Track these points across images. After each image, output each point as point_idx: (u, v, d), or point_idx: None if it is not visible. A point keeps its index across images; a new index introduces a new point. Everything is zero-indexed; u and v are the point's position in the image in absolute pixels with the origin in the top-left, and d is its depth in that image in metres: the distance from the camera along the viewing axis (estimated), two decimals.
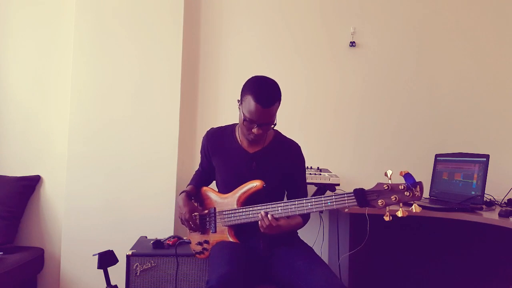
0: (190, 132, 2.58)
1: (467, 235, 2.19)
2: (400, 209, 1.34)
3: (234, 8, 2.62)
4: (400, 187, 1.35)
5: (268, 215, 1.50)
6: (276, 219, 1.50)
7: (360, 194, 1.39)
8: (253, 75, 1.62)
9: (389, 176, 1.35)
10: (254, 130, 1.56)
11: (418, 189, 1.33)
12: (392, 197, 1.35)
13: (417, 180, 1.34)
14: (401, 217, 1.34)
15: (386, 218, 1.35)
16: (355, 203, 1.40)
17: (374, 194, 1.38)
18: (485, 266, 2.20)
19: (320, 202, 1.45)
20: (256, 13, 2.62)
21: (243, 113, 1.55)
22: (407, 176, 1.33)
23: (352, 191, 1.40)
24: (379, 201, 1.37)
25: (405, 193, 1.34)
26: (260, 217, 1.52)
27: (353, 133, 2.60)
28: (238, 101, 1.61)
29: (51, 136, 2.55)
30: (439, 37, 2.62)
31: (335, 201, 1.43)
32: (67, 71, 2.51)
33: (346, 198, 1.41)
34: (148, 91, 2.46)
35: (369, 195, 1.39)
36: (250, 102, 1.52)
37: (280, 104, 1.59)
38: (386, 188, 1.37)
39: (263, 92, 1.52)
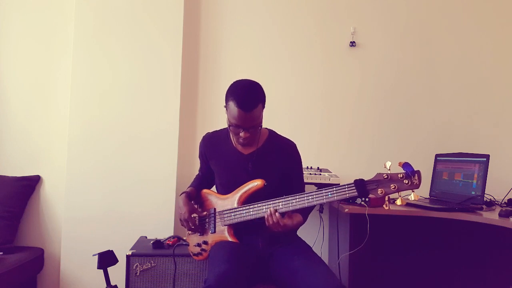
0: (190, 132, 2.58)
1: (467, 235, 2.19)
2: (399, 197, 1.37)
3: (234, 9, 2.62)
4: (399, 176, 1.38)
5: (276, 214, 1.50)
6: (283, 216, 1.51)
7: (360, 184, 1.40)
8: (237, 79, 1.63)
9: (388, 167, 1.38)
10: (241, 134, 1.57)
11: (416, 177, 1.36)
12: (391, 186, 1.38)
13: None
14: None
15: (386, 207, 1.39)
16: (356, 194, 1.41)
17: (373, 183, 1.40)
18: (485, 266, 2.20)
19: (321, 195, 1.46)
20: (256, 13, 2.62)
21: (228, 119, 1.58)
22: (406, 165, 1.36)
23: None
24: (379, 190, 1.39)
25: (404, 181, 1.37)
26: (268, 212, 1.51)
27: (353, 133, 2.60)
28: (225, 106, 1.62)
29: (51, 136, 2.55)
30: (439, 37, 2.62)
31: (335, 193, 1.44)
32: (67, 71, 2.51)
33: (346, 189, 1.43)
34: (148, 92, 2.46)
35: (369, 184, 1.41)
36: (232, 107, 1.53)
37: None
38: (386, 177, 1.39)
39: (244, 97, 1.53)
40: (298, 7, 2.61)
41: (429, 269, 2.22)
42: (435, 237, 2.21)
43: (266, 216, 1.52)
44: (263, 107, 1.60)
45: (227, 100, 1.58)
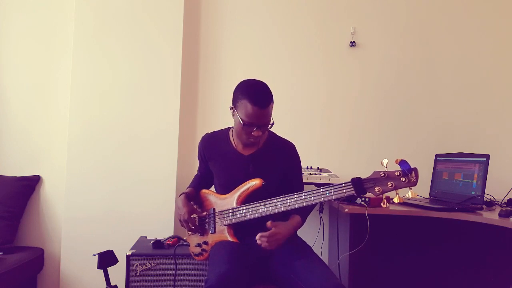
0: (190, 132, 2.58)
1: (467, 235, 2.19)
2: (397, 195, 1.37)
3: (234, 8, 2.62)
4: (396, 173, 1.38)
5: (259, 236, 1.49)
6: (274, 225, 1.49)
7: (357, 183, 1.41)
8: (242, 80, 1.64)
9: (385, 164, 1.38)
10: (254, 133, 1.56)
11: (413, 174, 1.36)
12: (388, 184, 1.38)
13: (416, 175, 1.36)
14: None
15: (384, 206, 1.39)
16: (353, 192, 1.41)
17: (371, 182, 1.40)
18: (485, 266, 2.20)
19: (318, 194, 1.47)
20: (256, 13, 2.62)
21: (240, 118, 1.56)
22: (402, 162, 1.36)
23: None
24: (376, 188, 1.39)
25: (401, 179, 1.36)
26: (257, 239, 1.50)
27: (353, 133, 2.60)
28: (231, 108, 1.62)
29: (51, 136, 2.55)
30: (440, 37, 2.62)
31: (333, 191, 1.44)
32: (67, 71, 2.51)
33: (344, 188, 1.43)
34: (148, 92, 2.46)
35: (366, 183, 1.41)
36: (246, 105, 1.53)
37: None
38: (383, 175, 1.39)
39: (258, 94, 1.55)
40: (298, 7, 2.61)
41: (429, 269, 2.22)
42: (435, 237, 2.21)
43: (261, 244, 1.50)
44: (273, 105, 1.61)
45: (237, 100, 1.57)
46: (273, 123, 1.61)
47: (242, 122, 1.56)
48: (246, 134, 1.59)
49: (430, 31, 2.62)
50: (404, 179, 1.36)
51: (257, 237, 1.50)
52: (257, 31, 2.61)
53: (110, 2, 2.45)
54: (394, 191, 1.39)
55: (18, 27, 2.58)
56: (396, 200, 1.37)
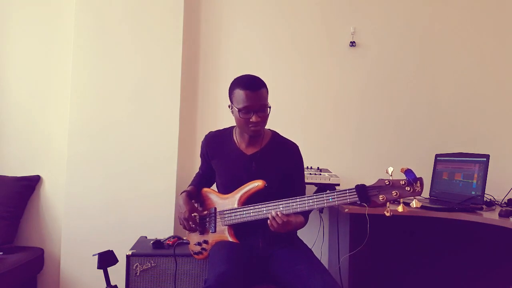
0: (190, 131, 2.58)
1: (467, 235, 2.19)
2: (401, 204, 1.36)
3: (234, 8, 2.62)
4: (401, 182, 1.37)
5: (278, 213, 1.50)
6: (286, 215, 1.50)
7: (361, 190, 1.40)
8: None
9: (390, 173, 1.36)
10: (253, 119, 1.56)
11: (418, 184, 1.35)
12: (393, 192, 1.37)
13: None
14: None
15: (387, 214, 1.38)
16: (357, 199, 1.41)
17: (375, 189, 1.40)
18: (485, 266, 2.20)
19: (321, 199, 1.46)
20: (256, 13, 2.62)
21: (237, 109, 1.57)
22: (408, 172, 1.35)
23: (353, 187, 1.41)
24: (380, 196, 1.38)
25: (406, 188, 1.36)
26: (270, 217, 1.51)
27: (353, 133, 2.60)
28: (229, 106, 1.63)
29: (51, 136, 2.55)
30: (440, 37, 2.62)
31: (336, 197, 1.44)
32: (67, 71, 2.51)
33: (347, 194, 1.42)
34: (148, 92, 2.46)
35: (370, 190, 1.40)
36: (239, 93, 1.55)
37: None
38: (387, 183, 1.38)
39: (249, 80, 1.58)
40: (298, 7, 2.61)
41: (429, 269, 2.23)
42: (435, 237, 2.22)
43: (269, 222, 1.51)
44: (268, 93, 1.61)
45: (232, 92, 1.59)
46: (270, 108, 1.60)
47: (239, 111, 1.56)
48: (245, 123, 1.59)
49: (430, 31, 2.62)
50: (409, 189, 1.35)
51: (273, 214, 1.50)
52: (257, 31, 2.61)
53: (110, 2, 2.45)
54: (398, 200, 1.38)
55: (18, 27, 2.58)
56: (400, 209, 1.36)
